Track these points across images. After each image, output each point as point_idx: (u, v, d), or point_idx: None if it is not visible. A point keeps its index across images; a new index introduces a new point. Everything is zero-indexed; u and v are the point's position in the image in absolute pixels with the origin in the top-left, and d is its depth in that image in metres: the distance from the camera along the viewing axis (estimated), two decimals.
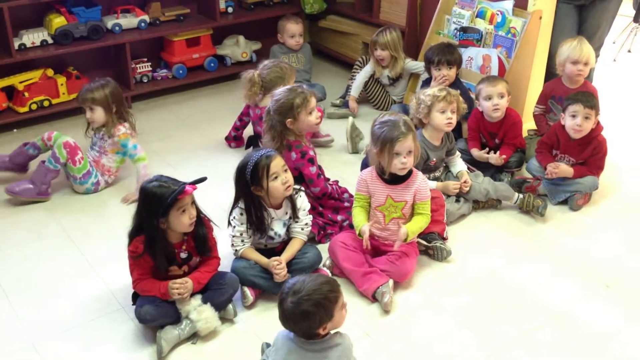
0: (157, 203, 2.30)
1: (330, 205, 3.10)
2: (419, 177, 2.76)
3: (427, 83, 3.75)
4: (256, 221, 2.62)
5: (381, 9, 4.66)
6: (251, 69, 3.58)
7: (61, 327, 2.53)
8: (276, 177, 2.56)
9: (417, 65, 4.19)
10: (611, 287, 2.75)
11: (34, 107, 4.07)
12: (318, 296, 1.92)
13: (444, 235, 2.97)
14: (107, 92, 3.28)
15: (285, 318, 1.97)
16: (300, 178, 2.99)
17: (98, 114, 3.30)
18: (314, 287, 1.94)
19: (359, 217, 2.76)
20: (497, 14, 3.78)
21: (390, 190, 2.74)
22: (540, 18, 3.64)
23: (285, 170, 2.61)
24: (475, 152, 3.46)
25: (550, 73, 3.81)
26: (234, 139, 3.90)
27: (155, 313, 2.39)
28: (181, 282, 2.39)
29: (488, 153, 3.43)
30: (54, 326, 2.54)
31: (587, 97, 3.19)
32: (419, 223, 2.75)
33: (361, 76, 4.31)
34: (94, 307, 2.63)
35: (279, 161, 2.58)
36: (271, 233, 2.68)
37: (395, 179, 2.73)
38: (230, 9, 4.76)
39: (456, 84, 3.67)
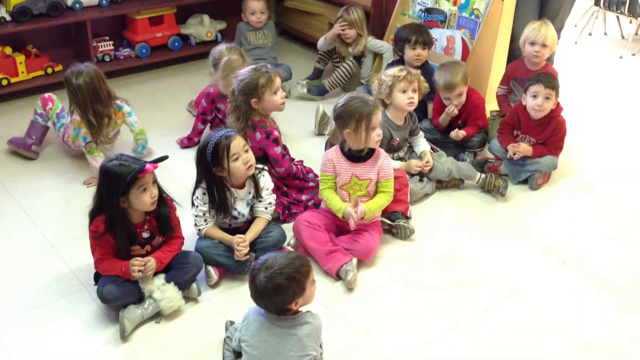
0: (117, 182, 2.27)
1: (294, 185, 3.10)
2: (382, 155, 2.79)
3: (392, 65, 3.75)
4: (219, 201, 2.61)
5: None
6: (221, 54, 3.41)
7: (21, 309, 2.49)
8: (237, 158, 2.54)
9: (379, 44, 4.18)
10: (568, 263, 2.83)
11: None
12: (290, 270, 1.95)
13: (408, 214, 3.01)
14: (63, 76, 3.18)
15: (258, 294, 1.98)
16: (264, 158, 2.99)
17: None
18: (286, 262, 1.97)
19: (335, 200, 2.75)
20: None
21: (355, 169, 2.75)
22: (503, 0, 3.68)
23: (246, 150, 2.59)
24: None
25: (513, 55, 3.86)
26: (188, 141, 3.65)
27: (118, 293, 2.38)
28: (142, 260, 2.38)
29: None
30: (14, 308, 2.50)
31: (548, 78, 3.25)
32: (380, 201, 2.77)
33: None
34: (55, 287, 2.60)
35: (239, 141, 2.55)
36: (235, 213, 2.67)
37: (359, 157, 2.75)
38: None
39: (424, 65, 3.69)
